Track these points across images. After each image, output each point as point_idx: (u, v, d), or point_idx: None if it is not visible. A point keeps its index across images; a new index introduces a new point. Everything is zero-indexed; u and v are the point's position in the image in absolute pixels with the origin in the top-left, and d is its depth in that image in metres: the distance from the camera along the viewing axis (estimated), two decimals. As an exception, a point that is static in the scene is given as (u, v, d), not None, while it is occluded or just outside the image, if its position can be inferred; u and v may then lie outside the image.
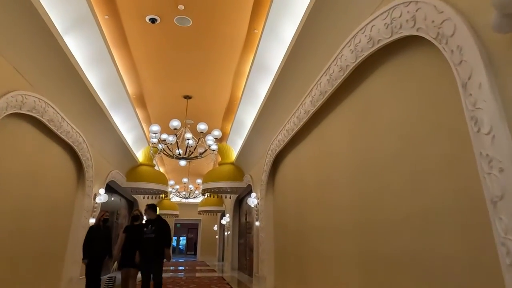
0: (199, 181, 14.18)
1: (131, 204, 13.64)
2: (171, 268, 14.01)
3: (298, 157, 5.60)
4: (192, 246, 30.36)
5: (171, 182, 14.05)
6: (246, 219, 11.18)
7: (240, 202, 13.10)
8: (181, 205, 20.32)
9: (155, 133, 7.35)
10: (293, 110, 5.25)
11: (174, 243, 30.09)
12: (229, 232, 13.93)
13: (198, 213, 17.34)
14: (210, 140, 7.81)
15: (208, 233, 21.77)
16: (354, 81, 3.52)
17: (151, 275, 5.06)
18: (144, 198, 12.25)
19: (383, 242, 2.87)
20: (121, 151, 8.93)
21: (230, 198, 12.55)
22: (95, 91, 5.95)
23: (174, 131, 7.40)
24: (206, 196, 11.33)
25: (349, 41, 3.24)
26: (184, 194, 14.82)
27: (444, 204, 2.18)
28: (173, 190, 14.57)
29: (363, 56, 3.07)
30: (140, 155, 10.75)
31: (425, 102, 2.42)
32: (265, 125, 6.91)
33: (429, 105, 2.38)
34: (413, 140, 2.53)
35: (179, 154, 7.98)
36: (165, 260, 5.13)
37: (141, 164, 10.73)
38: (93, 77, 5.84)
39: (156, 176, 10.80)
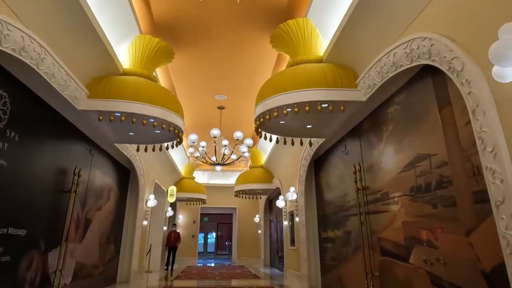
0: (239, 134, 8.38)
1: (124, 170, 8.02)
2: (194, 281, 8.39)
3: None
4: (223, 244, 24.74)
5: (193, 137, 8.32)
6: (362, 182, 4.96)
7: (318, 164, 7.19)
8: (207, 188, 14.66)
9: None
10: None
11: (201, 241, 24.08)
12: (296, 219, 8.02)
13: (235, 195, 11.59)
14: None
15: (246, 226, 15.85)
16: None
17: None
18: (139, 150, 6.55)
19: None
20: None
21: (297, 143, 6.49)
22: None
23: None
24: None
25: None
26: (215, 160, 9.04)
27: None
28: (197, 153, 8.80)
29: None
30: (125, 53, 5.14)
31: None
32: None
33: None
34: None
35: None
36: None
37: (127, 73, 5.09)
38: None
39: (159, 93, 5.06)
